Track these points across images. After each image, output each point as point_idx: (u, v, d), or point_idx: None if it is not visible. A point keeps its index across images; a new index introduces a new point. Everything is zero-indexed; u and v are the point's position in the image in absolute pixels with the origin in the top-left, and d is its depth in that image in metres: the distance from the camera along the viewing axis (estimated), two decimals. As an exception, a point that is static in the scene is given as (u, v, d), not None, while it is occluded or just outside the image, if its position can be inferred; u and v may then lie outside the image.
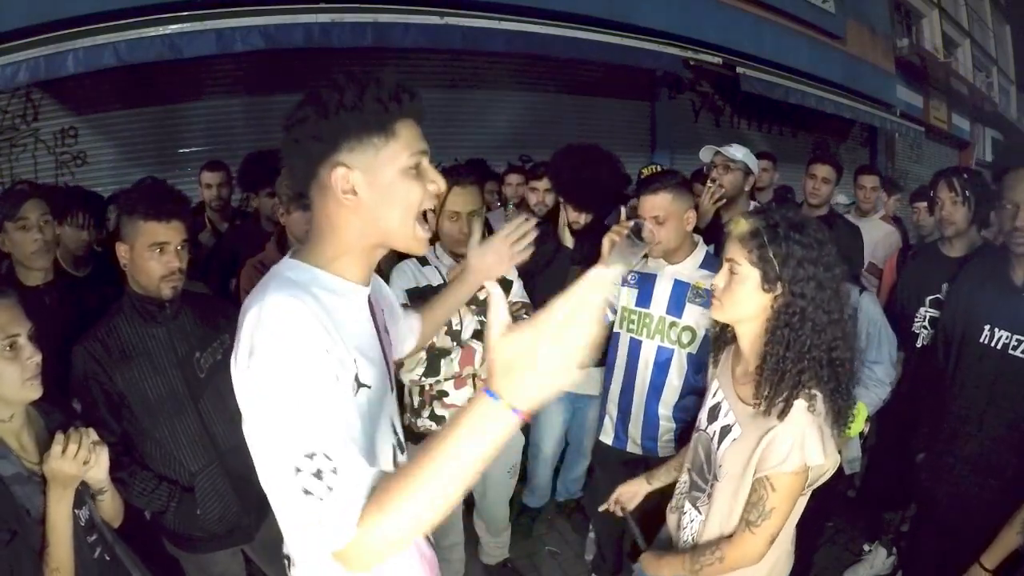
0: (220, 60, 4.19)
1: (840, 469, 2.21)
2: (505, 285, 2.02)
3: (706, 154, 2.62)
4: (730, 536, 1.28)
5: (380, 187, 0.88)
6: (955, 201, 2.15)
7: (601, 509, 1.70)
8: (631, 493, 1.66)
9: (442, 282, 1.92)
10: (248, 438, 0.84)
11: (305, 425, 0.76)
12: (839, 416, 1.22)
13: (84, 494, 1.26)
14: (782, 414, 1.19)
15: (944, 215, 2.19)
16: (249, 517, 1.72)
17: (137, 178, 4.39)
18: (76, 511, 1.21)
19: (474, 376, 1.93)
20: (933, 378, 1.91)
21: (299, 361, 0.78)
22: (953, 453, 1.76)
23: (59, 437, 1.15)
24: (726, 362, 1.42)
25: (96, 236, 2.37)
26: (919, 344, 2.28)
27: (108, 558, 1.28)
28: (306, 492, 0.74)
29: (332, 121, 0.85)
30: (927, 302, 2.27)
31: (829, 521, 2.66)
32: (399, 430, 1.07)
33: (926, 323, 2.27)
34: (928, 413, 1.94)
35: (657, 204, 1.87)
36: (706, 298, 1.87)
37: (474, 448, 0.67)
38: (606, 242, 1.88)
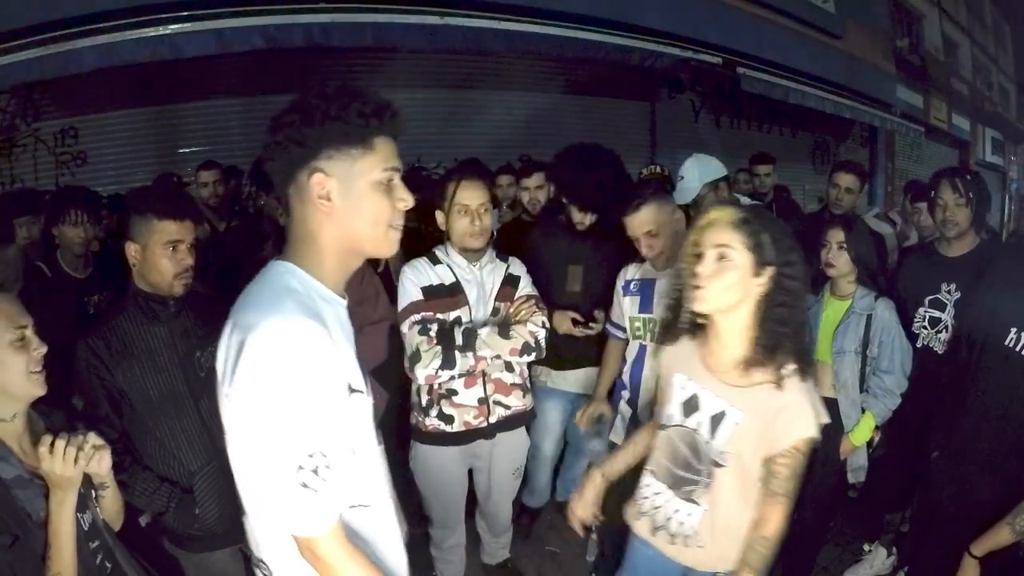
0: (220, 60, 4.19)
1: (842, 472, 2.23)
2: (512, 281, 2.01)
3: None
4: (759, 518, 1.29)
5: (352, 197, 0.94)
6: (959, 203, 2.14)
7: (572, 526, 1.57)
8: (588, 503, 1.52)
9: (455, 280, 1.91)
10: (239, 439, 0.92)
11: (311, 428, 0.87)
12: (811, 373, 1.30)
13: (87, 497, 1.24)
14: (781, 383, 1.24)
15: (948, 216, 2.17)
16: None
17: (137, 178, 4.43)
18: (79, 515, 1.19)
19: (484, 374, 1.93)
20: (952, 379, 1.91)
21: (308, 371, 0.87)
22: (970, 453, 1.77)
23: (45, 438, 1.12)
24: (687, 354, 1.39)
25: (93, 233, 2.37)
26: (919, 344, 2.27)
27: (109, 565, 1.26)
28: (304, 486, 0.86)
29: (316, 128, 0.90)
30: (926, 302, 2.27)
31: (829, 521, 2.65)
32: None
33: (926, 323, 2.27)
34: (946, 413, 1.93)
35: (645, 220, 1.88)
36: None
37: None
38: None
